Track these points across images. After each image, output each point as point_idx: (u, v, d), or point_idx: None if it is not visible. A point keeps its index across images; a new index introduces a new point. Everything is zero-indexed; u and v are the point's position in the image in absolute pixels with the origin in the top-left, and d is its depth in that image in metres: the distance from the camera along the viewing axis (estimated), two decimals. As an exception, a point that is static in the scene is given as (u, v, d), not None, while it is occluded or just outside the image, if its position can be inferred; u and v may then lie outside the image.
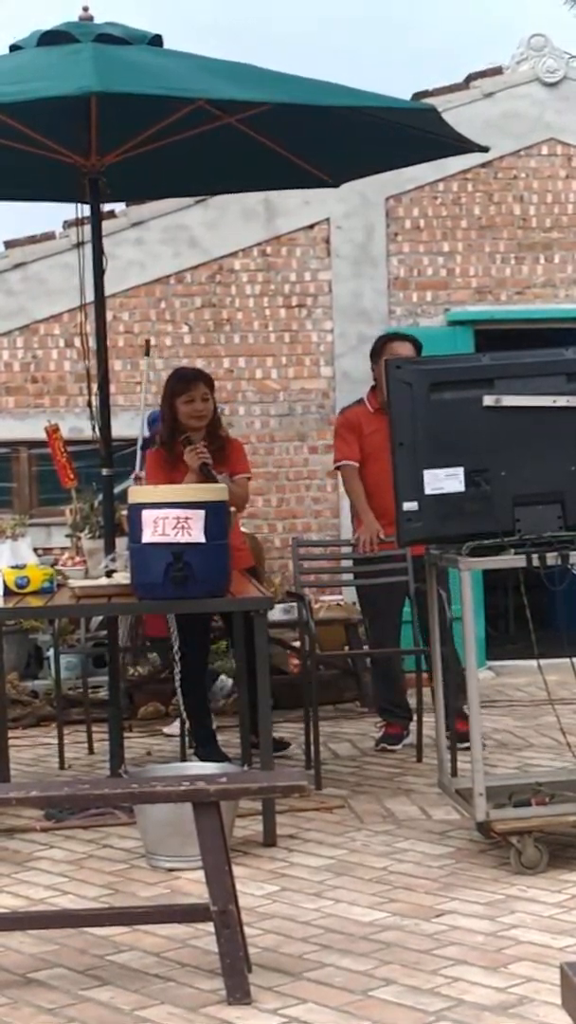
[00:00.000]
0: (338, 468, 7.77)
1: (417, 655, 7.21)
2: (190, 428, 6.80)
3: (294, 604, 7.89)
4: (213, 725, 7.22)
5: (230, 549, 5.76)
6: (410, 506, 5.23)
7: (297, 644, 8.27)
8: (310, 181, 7.58)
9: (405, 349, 7.37)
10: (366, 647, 8.31)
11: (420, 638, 7.12)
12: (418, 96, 10.04)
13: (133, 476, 8.46)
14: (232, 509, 6.05)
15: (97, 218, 6.74)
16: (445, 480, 5.20)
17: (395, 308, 10.42)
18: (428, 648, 6.15)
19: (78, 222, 7.03)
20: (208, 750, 6.97)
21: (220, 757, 6.79)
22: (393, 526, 5.48)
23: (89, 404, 6.77)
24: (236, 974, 4.03)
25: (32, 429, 9.69)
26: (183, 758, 7.14)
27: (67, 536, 7.69)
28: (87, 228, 6.74)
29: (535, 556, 5.16)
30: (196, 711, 7.04)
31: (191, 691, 6.99)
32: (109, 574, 6.19)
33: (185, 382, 6.89)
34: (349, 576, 8.04)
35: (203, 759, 6.81)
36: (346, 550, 8.01)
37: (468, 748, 5.37)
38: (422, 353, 7.43)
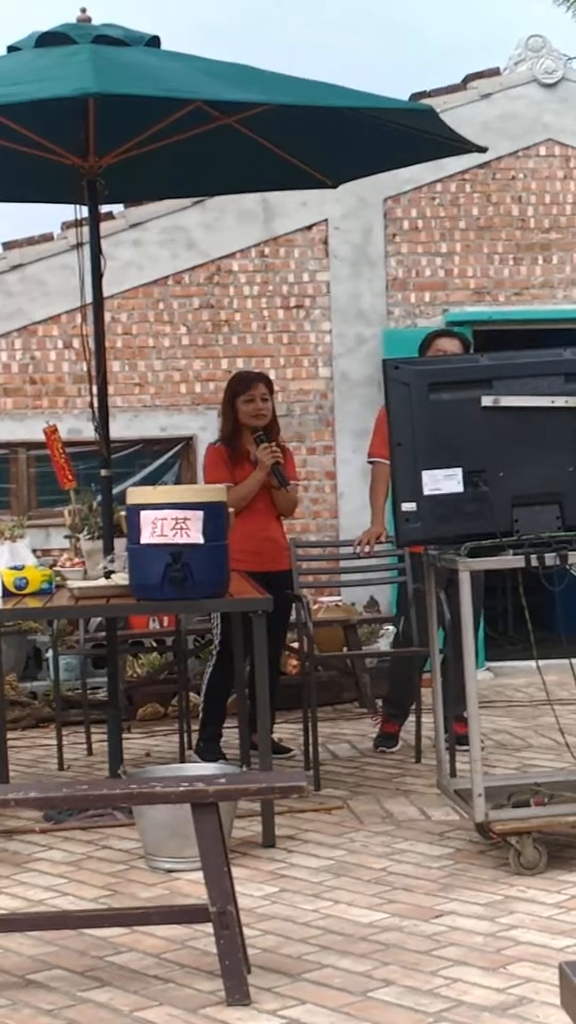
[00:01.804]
0: (370, 463, 7.70)
1: (416, 656, 7.19)
2: (250, 428, 7.12)
3: (292, 605, 7.88)
4: (223, 726, 7.25)
5: (228, 550, 5.76)
6: (408, 507, 5.23)
7: (296, 645, 8.27)
8: (308, 182, 7.58)
9: (452, 346, 7.31)
10: (378, 646, 8.28)
11: (418, 639, 7.10)
12: (416, 97, 10.05)
13: None
14: (229, 512, 6.05)
15: (95, 219, 6.74)
16: (443, 481, 5.20)
17: (393, 309, 10.42)
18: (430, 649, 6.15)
19: (76, 223, 7.03)
20: (210, 748, 6.99)
21: (221, 758, 6.80)
22: None
23: (91, 405, 6.77)
24: (235, 975, 4.03)
25: (30, 430, 9.70)
26: (182, 759, 7.15)
27: (66, 537, 7.66)
28: (85, 229, 6.75)
29: (534, 557, 5.16)
30: (213, 709, 7.10)
31: (217, 688, 7.04)
32: (108, 575, 6.19)
33: (246, 383, 7.24)
34: (348, 576, 8.05)
35: (203, 757, 6.83)
36: (344, 550, 8.01)
37: (467, 749, 5.36)
38: (470, 351, 7.42)
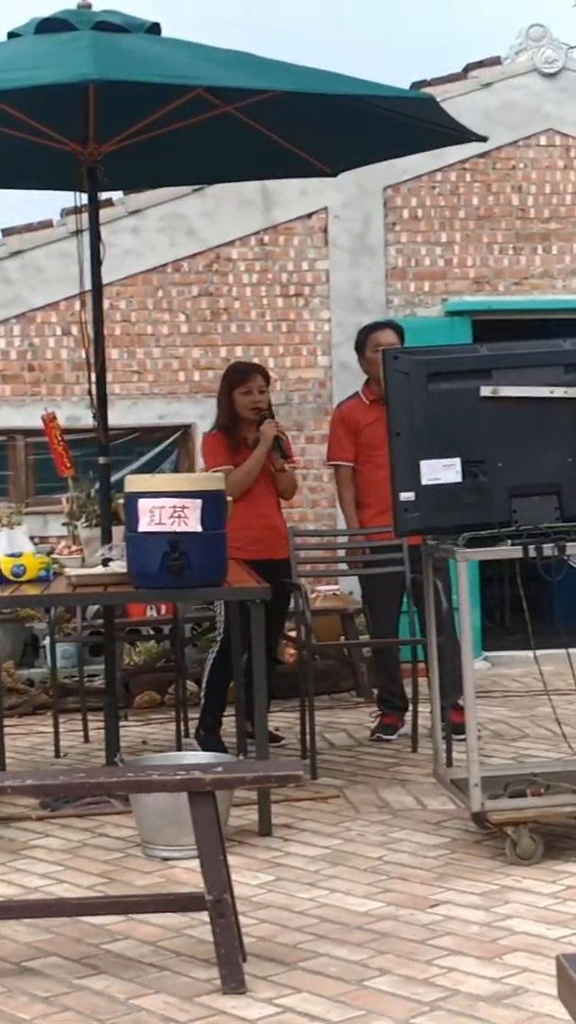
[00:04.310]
0: (333, 466, 7.82)
1: (413, 645, 7.21)
2: (247, 418, 7.15)
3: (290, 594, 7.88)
4: (223, 714, 7.25)
5: (226, 538, 5.75)
6: (407, 496, 5.23)
7: (293, 634, 8.27)
8: (308, 170, 7.57)
9: (387, 337, 7.38)
10: (365, 636, 8.33)
11: (418, 628, 7.13)
12: (416, 86, 10.02)
13: None
14: (228, 500, 6.05)
15: (95, 206, 6.73)
16: (442, 471, 5.20)
17: (393, 298, 10.41)
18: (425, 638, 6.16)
19: (76, 210, 7.02)
20: (209, 737, 6.99)
21: (219, 747, 6.81)
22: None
23: (89, 392, 6.77)
24: (231, 963, 4.04)
25: (29, 417, 9.68)
26: (179, 747, 7.15)
27: (64, 525, 7.67)
28: (85, 216, 6.74)
29: (531, 547, 5.16)
30: (215, 697, 7.09)
31: (218, 675, 7.04)
32: (105, 563, 6.19)
33: (243, 374, 7.29)
34: (346, 566, 8.05)
35: (202, 744, 6.84)
36: (342, 540, 8.02)
37: (464, 739, 5.37)
38: (404, 338, 7.44)
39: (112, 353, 9.53)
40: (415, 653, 7.19)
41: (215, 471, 6.81)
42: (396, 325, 7.64)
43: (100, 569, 6.14)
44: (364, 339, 7.53)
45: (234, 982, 4.01)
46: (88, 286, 6.66)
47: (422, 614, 6.62)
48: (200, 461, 8.21)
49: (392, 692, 7.63)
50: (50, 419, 7.11)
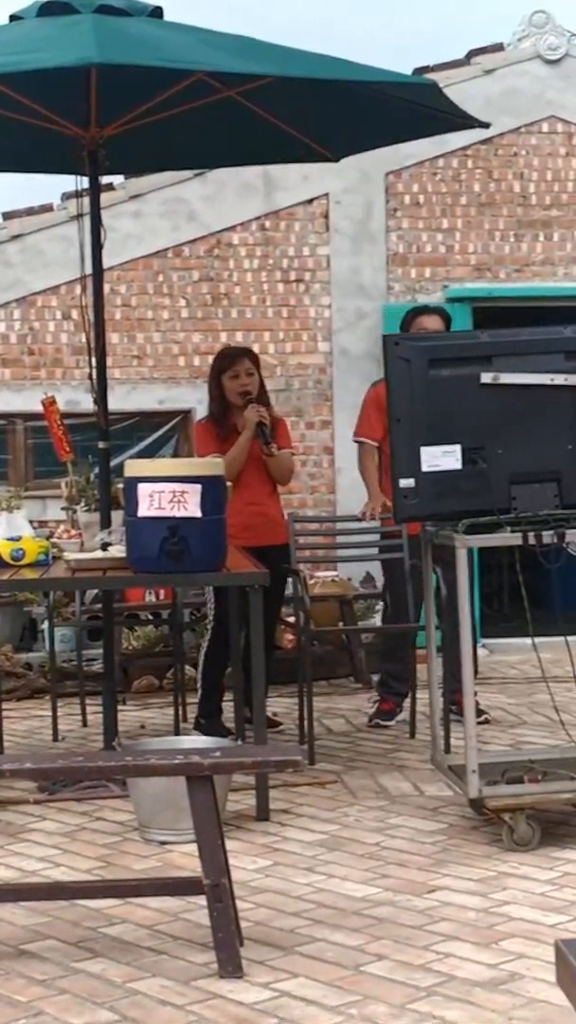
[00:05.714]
0: (357, 442, 7.73)
1: (414, 631, 7.20)
2: (236, 403, 7.05)
3: (289, 579, 7.88)
4: (222, 700, 7.25)
5: (225, 525, 5.75)
6: (407, 483, 5.23)
7: (292, 619, 8.27)
8: (310, 155, 7.56)
9: (433, 323, 7.29)
10: (376, 621, 8.29)
11: (417, 614, 7.11)
12: (419, 72, 9.99)
13: None
14: (227, 486, 6.05)
15: (96, 190, 6.73)
16: (442, 457, 5.20)
17: (393, 284, 10.40)
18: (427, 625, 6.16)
19: (77, 194, 7.03)
20: (210, 725, 6.99)
21: (222, 732, 6.81)
22: None
23: (89, 377, 6.76)
24: (228, 948, 4.04)
25: (28, 401, 9.67)
26: (177, 732, 7.16)
27: (63, 509, 7.69)
28: (86, 200, 6.73)
29: (531, 534, 5.16)
30: (211, 684, 7.09)
31: (214, 663, 7.04)
32: (104, 547, 6.19)
33: (230, 359, 7.20)
34: (345, 552, 8.05)
35: (204, 732, 6.84)
36: (341, 526, 8.01)
37: (461, 720, 5.36)
38: (451, 325, 7.40)
39: (112, 337, 9.52)
40: (414, 640, 7.18)
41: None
42: (444, 311, 7.52)
43: (99, 553, 6.15)
44: (409, 322, 7.41)
45: (231, 966, 4.02)
46: (89, 270, 6.65)
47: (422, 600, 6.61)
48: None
49: (399, 679, 7.56)
50: (50, 403, 7.11)
